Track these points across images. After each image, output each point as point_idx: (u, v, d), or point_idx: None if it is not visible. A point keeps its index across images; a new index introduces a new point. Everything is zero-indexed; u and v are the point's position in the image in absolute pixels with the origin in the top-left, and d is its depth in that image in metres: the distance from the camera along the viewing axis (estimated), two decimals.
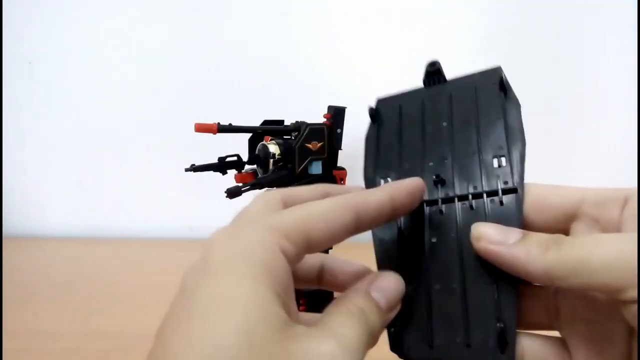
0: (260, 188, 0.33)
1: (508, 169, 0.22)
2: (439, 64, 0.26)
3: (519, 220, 0.21)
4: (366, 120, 0.27)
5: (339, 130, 0.40)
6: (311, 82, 0.70)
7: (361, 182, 0.26)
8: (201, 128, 0.36)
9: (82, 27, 0.69)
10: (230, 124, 0.38)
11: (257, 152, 0.38)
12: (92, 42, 0.70)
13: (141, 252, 0.70)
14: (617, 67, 0.69)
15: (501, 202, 0.22)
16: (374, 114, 0.27)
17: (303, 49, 0.70)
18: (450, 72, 0.26)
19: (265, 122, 0.41)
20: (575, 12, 0.68)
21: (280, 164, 0.37)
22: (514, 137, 0.23)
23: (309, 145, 0.38)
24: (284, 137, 0.40)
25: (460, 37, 0.69)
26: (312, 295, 0.39)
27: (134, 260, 0.67)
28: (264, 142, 0.38)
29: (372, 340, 0.18)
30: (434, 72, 0.26)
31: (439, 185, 0.23)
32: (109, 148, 0.74)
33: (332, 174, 0.40)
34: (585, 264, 0.17)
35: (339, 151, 0.41)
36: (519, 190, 0.22)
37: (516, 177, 0.22)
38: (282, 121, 0.42)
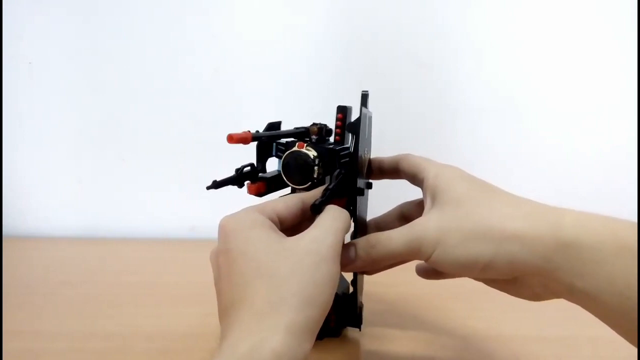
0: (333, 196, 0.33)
1: None
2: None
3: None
4: None
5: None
6: (298, 85, 0.71)
7: None
8: (236, 139, 0.34)
9: (82, 27, 0.69)
10: (257, 131, 0.37)
11: (286, 159, 0.36)
12: (91, 41, 0.70)
13: (141, 252, 0.70)
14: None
15: None
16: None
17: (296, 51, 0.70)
18: None
19: (270, 125, 0.40)
20: None
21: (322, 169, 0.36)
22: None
23: None
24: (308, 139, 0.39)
25: None
26: (340, 309, 0.43)
27: (134, 260, 0.67)
28: (297, 148, 0.36)
29: (345, 229, 0.30)
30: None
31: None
32: (109, 148, 0.74)
33: None
34: (389, 252, 0.31)
35: None
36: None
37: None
38: (280, 123, 0.41)
